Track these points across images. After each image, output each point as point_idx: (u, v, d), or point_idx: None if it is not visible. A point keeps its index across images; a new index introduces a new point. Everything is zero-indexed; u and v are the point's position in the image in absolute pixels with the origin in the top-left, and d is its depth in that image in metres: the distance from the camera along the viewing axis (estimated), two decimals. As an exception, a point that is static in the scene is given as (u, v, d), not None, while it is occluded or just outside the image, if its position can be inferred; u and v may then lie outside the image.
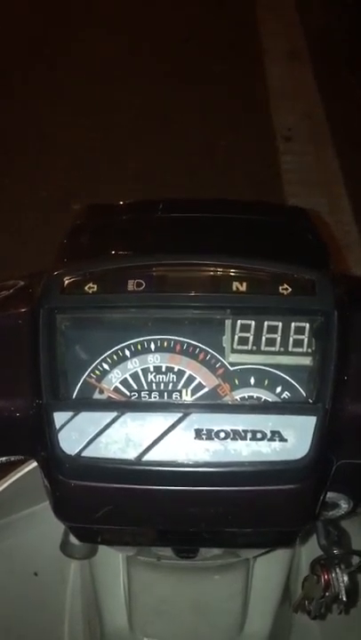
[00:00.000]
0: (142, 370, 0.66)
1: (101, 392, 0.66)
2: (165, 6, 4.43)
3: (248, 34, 4.23)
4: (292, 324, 0.65)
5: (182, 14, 4.34)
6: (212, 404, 0.64)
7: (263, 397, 0.65)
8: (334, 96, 3.67)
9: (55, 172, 3.17)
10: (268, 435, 0.62)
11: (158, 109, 3.58)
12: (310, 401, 0.64)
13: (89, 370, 0.66)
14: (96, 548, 1.02)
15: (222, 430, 0.62)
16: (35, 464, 0.73)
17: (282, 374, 0.65)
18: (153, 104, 3.61)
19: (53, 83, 3.78)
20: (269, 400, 0.65)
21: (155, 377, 0.66)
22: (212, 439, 0.62)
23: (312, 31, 4.25)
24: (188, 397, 0.66)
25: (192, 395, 0.66)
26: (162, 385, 0.66)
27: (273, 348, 0.65)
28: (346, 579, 0.79)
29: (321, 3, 4.58)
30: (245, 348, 0.65)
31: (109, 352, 0.66)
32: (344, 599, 0.79)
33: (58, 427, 0.62)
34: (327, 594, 0.80)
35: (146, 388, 0.66)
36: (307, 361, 0.65)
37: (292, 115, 3.57)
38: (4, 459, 0.72)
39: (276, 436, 0.62)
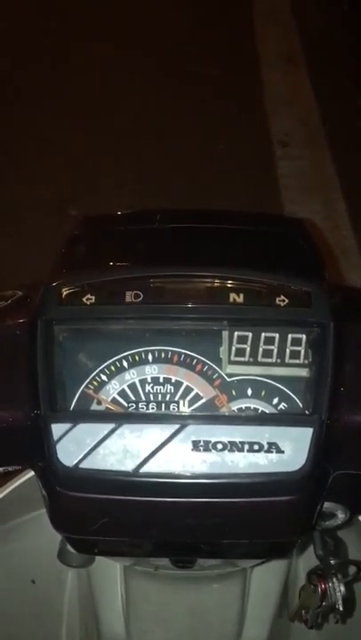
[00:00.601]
0: (140, 381, 0.66)
1: (99, 403, 0.66)
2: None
3: (244, 38, 4.24)
4: (289, 336, 0.66)
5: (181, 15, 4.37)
6: (209, 416, 0.65)
7: (260, 409, 0.66)
8: (331, 101, 3.68)
9: (55, 170, 3.17)
10: (265, 446, 0.62)
11: (155, 112, 3.59)
12: (307, 412, 0.64)
13: (87, 381, 0.66)
14: (93, 556, 1.02)
15: (219, 442, 0.62)
16: (33, 472, 0.73)
17: (279, 385, 0.66)
18: (150, 106, 3.63)
19: (53, 75, 3.80)
20: (266, 411, 0.65)
21: (152, 388, 0.66)
22: (210, 451, 0.62)
23: (308, 36, 4.26)
24: (185, 408, 0.66)
25: (189, 406, 0.66)
26: (159, 396, 0.66)
27: (270, 360, 0.66)
28: (343, 588, 0.79)
29: (317, 8, 4.60)
30: (242, 359, 0.66)
31: (107, 363, 0.66)
32: (341, 609, 0.79)
33: (56, 438, 0.62)
34: (324, 603, 0.80)
35: (143, 399, 0.66)
36: (303, 372, 0.65)
37: (288, 120, 3.58)
38: (1, 469, 0.72)
39: (273, 447, 0.62)
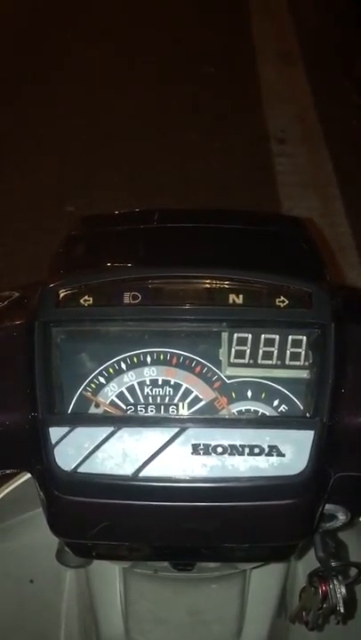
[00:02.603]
0: (138, 383, 0.66)
1: (97, 406, 0.65)
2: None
3: (241, 36, 4.24)
4: (289, 337, 0.65)
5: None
6: (209, 419, 0.64)
7: (260, 411, 0.65)
8: (327, 98, 3.67)
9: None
10: (266, 449, 0.61)
11: (152, 107, 3.59)
12: (308, 415, 0.64)
13: (85, 383, 0.65)
14: None
15: (219, 445, 0.61)
16: None
17: (279, 387, 0.65)
18: (147, 102, 3.62)
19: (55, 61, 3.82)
20: (267, 414, 0.65)
21: (151, 390, 0.66)
22: (210, 454, 0.61)
23: (305, 34, 4.26)
24: (184, 411, 0.65)
25: (189, 408, 0.65)
26: (158, 398, 0.66)
27: (270, 362, 0.65)
28: (343, 590, 0.78)
29: (313, 6, 4.59)
30: (242, 361, 0.65)
31: (105, 365, 0.66)
32: (342, 611, 0.78)
33: (54, 442, 0.62)
34: (325, 605, 0.79)
35: (142, 401, 0.65)
36: (304, 374, 0.65)
37: (285, 117, 3.58)
38: None
39: (273, 450, 0.61)
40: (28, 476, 0.95)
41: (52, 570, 1.12)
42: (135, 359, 0.66)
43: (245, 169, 3.18)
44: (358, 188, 3.05)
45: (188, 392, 0.65)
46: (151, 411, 0.65)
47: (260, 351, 0.65)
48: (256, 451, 0.61)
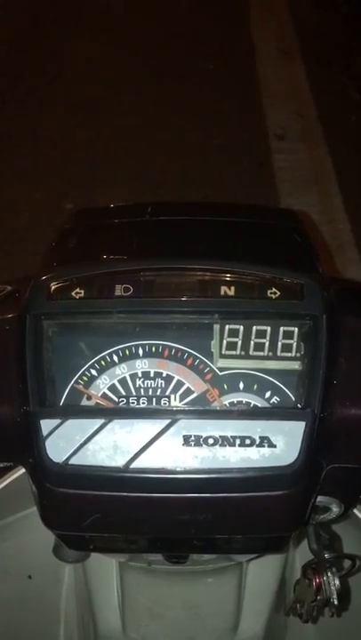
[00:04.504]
0: (130, 375, 0.66)
1: (89, 398, 0.65)
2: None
3: (241, 33, 4.23)
4: (281, 329, 0.65)
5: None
6: (200, 410, 0.64)
7: (252, 402, 0.65)
8: (326, 95, 3.67)
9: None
10: (257, 440, 0.61)
11: (151, 105, 3.59)
12: (299, 406, 0.64)
13: (76, 376, 0.65)
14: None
15: (211, 436, 0.62)
16: None
17: (271, 379, 0.65)
18: (146, 99, 3.62)
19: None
20: (258, 405, 0.65)
21: (143, 382, 0.66)
22: (201, 445, 0.61)
23: (304, 31, 4.25)
24: (176, 403, 0.65)
25: (181, 400, 0.65)
26: (150, 390, 0.66)
27: (262, 353, 0.65)
28: (337, 582, 0.78)
29: (313, 4, 4.59)
30: (234, 352, 0.65)
31: (97, 358, 0.66)
32: (336, 603, 0.78)
33: (45, 434, 0.62)
34: (319, 597, 0.79)
35: (134, 393, 0.66)
36: (296, 365, 0.65)
37: (284, 113, 3.57)
38: None
39: (265, 441, 0.61)
40: (22, 471, 0.95)
41: (50, 566, 1.13)
42: (127, 351, 0.66)
43: (245, 166, 3.18)
44: (357, 185, 3.05)
45: (179, 384, 0.66)
46: (143, 403, 0.65)
47: (252, 343, 0.65)
48: (247, 442, 0.61)
